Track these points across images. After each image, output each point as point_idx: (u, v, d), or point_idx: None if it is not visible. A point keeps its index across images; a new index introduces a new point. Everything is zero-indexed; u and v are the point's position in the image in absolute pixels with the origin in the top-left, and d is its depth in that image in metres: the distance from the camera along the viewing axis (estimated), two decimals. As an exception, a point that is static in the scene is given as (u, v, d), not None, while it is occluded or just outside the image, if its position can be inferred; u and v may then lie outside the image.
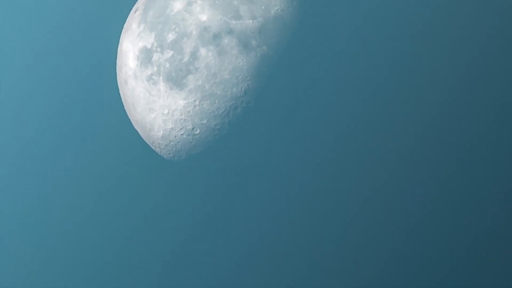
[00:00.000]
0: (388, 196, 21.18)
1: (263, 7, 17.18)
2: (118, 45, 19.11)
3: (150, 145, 18.74)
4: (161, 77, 17.32)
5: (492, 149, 21.22)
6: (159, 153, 18.58)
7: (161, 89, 17.36)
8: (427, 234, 21.35)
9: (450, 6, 20.98)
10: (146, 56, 17.62)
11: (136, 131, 19.04)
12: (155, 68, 17.42)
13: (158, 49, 17.39)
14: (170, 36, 17.28)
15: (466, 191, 21.24)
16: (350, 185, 20.71)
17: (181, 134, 17.50)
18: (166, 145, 17.98)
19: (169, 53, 17.23)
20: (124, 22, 19.18)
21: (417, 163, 21.11)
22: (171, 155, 18.15)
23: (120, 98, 19.13)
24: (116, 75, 19.19)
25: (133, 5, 19.14)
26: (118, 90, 19.15)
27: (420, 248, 21.44)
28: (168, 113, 17.42)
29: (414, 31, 20.78)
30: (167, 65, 17.23)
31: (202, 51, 16.95)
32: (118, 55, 19.01)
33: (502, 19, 21.24)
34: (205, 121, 17.16)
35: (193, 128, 17.31)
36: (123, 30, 19.03)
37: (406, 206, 21.34)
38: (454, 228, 21.30)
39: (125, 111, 19.11)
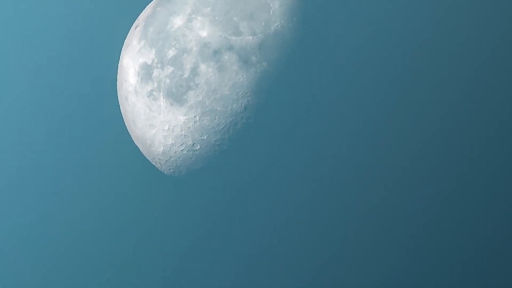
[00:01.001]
0: (387, 216, 21.19)
1: (263, 23, 17.25)
2: (118, 61, 19.16)
3: (151, 161, 18.76)
4: (161, 93, 17.36)
5: (493, 149, 21.25)
6: (159, 168, 18.59)
7: (161, 105, 17.40)
8: (433, 242, 21.34)
9: (445, 30, 21.06)
10: (146, 72, 17.66)
11: (137, 147, 19.06)
12: (156, 84, 17.46)
13: (159, 65, 17.44)
14: (171, 52, 17.34)
15: (469, 192, 21.26)
16: (350, 201, 20.70)
17: (182, 150, 17.53)
18: (166, 160, 18.00)
19: (169, 69, 17.28)
20: (125, 38, 19.24)
21: (418, 185, 21.13)
22: (172, 170, 18.16)
23: (121, 114, 19.16)
24: (116, 91, 19.22)
25: (134, 21, 19.20)
26: (119, 106, 19.19)
27: (427, 257, 21.41)
28: (168, 129, 17.45)
29: (414, 50, 20.83)
30: (168, 81, 17.27)
31: (202, 67, 17.00)
32: (118, 71, 19.06)
33: (502, 19, 21.32)
34: (205, 137, 17.19)
35: (193, 144, 17.33)
36: (123, 46, 19.09)
37: (407, 224, 21.34)
38: (457, 229, 21.29)
39: (125, 127, 19.14)
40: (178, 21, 17.57)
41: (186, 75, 17.09)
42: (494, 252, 21.32)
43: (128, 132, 19.12)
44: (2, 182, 25.41)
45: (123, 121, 19.15)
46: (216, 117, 16.99)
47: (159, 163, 18.34)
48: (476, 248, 21.37)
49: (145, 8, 19.17)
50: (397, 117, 20.17)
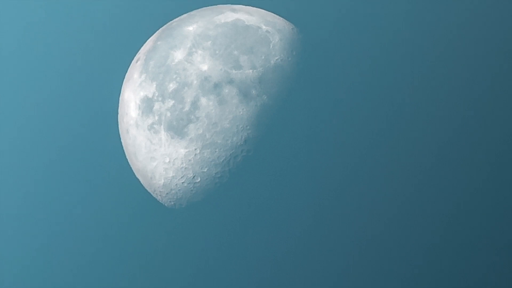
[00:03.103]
0: (388, 257, 21.18)
1: (263, 57, 17.33)
2: (119, 94, 19.23)
3: (152, 193, 18.75)
4: (162, 126, 17.39)
5: (492, 150, 21.27)
6: (160, 201, 18.58)
7: (162, 138, 17.43)
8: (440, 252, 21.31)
9: (445, 69, 21.22)
10: (147, 106, 17.70)
11: (138, 179, 19.06)
12: (156, 117, 17.50)
13: (159, 99, 17.48)
14: (171, 86, 17.39)
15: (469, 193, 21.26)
16: (350, 235, 20.70)
17: (182, 183, 17.53)
18: (167, 193, 17.99)
19: (170, 103, 17.33)
20: (126, 72, 19.32)
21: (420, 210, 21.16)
22: (172, 203, 18.15)
23: (122, 147, 19.19)
24: (117, 124, 19.27)
25: (135, 55, 19.29)
26: (120, 139, 19.22)
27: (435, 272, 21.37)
28: (169, 161, 17.47)
29: (414, 84, 20.96)
30: (168, 114, 17.32)
31: (203, 101, 17.05)
32: (119, 104, 19.11)
33: (502, 19, 21.41)
34: (205, 170, 17.21)
35: (194, 177, 17.35)
36: (124, 80, 19.15)
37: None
38: (458, 229, 21.24)
39: (126, 159, 19.16)
40: (178, 55, 17.65)
41: (186, 108, 17.13)
42: (494, 252, 21.26)
43: (129, 165, 19.13)
44: (4, 218, 25.41)
45: (124, 154, 19.17)
46: (217, 150, 17.02)
47: (160, 195, 18.33)
48: (476, 248, 21.31)
49: (146, 42, 19.27)
50: (397, 152, 20.23)
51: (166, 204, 18.44)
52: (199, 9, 19.18)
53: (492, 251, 21.27)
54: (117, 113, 19.25)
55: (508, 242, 21.21)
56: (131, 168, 19.14)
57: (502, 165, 21.44)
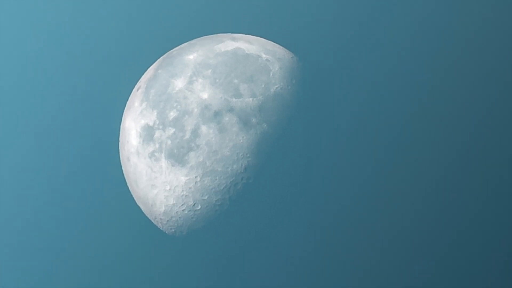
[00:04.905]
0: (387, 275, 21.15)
1: (263, 86, 17.42)
2: (120, 122, 19.29)
3: (152, 221, 18.75)
4: (163, 154, 17.44)
5: (493, 150, 21.26)
6: (161, 228, 18.58)
7: (163, 166, 17.47)
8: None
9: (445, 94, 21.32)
10: (148, 134, 17.76)
11: (139, 207, 19.07)
12: (157, 145, 17.55)
13: (160, 127, 17.55)
14: (172, 114, 17.46)
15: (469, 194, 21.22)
16: (350, 260, 20.68)
17: (183, 210, 17.55)
18: (168, 220, 18.00)
19: (170, 131, 17.38)
20: (127, 100, 19.40)
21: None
22: (173, 230, 18.16)
23: (123, 174, 19.22)
24: (119, 152, 19.32)
25: (135, 84, 19.38)
26: (121, 166, 19.27)
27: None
28: (170, 189, 17.50)
29: (414, 109, 21.04)
30: (169, 142, 17.37)
31: (203, 129, 17.11)
32: (120, 132, 19.17)
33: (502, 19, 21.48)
34: (206, 197, 17.23)
35: (194, 204, 17.37)
36: (125, 108, 19.22)
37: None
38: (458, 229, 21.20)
39: (127, 187, 19.19)
40: (179, 83, 17.73)
41: (187, 136, 17.20)
42: (494, 252, 21.21)
43: (130, 193, 19.15)
44: (4, 249, 25.38)
45: (125, 182, 19.20)
46: (217, 178, 17.06)
47: (160, 223, 18.34)
48: (476, 249, 21.27)
49: (147, 71, 19.37)
50: (397, 180, 20.26)
51: (167, 232, 18.45)
52: (200, 38, 19.31)
53: (492, 251, 21.23)
54: (118, 141, 19.31)
55: (508, 242, 21.18)
56: (132, 195, 19.16)
57: (502, 164, 21.45)
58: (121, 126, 19.13)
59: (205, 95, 17.33)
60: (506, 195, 21.31)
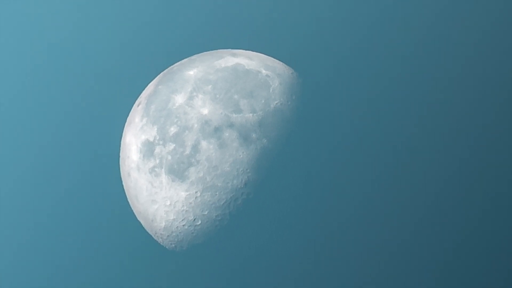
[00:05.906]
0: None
1: (263, 101, 17.46)
2: (121, 138, 19.33)
3: (153, 236, 18.75)
4: (163, 169, 17.47)
5: (493, 150, 21.25)
6: (161, 243, 18.57)
7: (163, 181, 17.49)
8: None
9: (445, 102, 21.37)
10: (148, 149, 17.80)
11: (139, 222, 19.07)
12: (158, 161, 17.58)
13: (161, 142, 17.58)
14: (172, 129, 17.50)
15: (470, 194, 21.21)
16: (350, 274, 20.66)
17: (183, 225, 17.55)
18: (168, 235, 18.01)
19: (171, 146, 17.42)
20: (127, 115, 19.44)
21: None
22: (173, 245, 18.15)
23: (123, 189, 19.24)
24: (119, 168, 19.34)
25: (136, 99, 19.43)
26: (121, 182, 19.29)
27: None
28: (170, 204, 17.51)
29: (414, 123, 21.08)
30: (169, 157, 17.40)
31: (203, 144, 17.15)
32: (121, 148, 19.21)
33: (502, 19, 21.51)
34: (206, 212, 17.24)
35: (194, 219, 17.38)
36: (126, 124, 19.26)
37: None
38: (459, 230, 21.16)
39: (128, 202, 19.19)
40: (179, 99, 17.78)
41: (187, 151, 17.23)
42: (494, 252, 21.18)
43: (130, 208, 19.16)
44: (4, 259, 25.36)
45: (126, 197, 19.22)
46: (217, 193, 17.08)
47: (161, 238, 18.34)
48: (476, 249, 21.23)
49: (147, 86, 19.42)
50: (398, 194, 20.27)
51: (167, 247, 18.45)
52: (200, 54, 19.38)
53: (492, 251, 21.21)
54: (119, 157, 19.34)
55: (508, 242, 21.16)
56: (132, 210, 19.17)
57: (502, 165, 21.46)
58: (122, 142, 19.17)
59: (205, 111, 17.38)
60: (506, 195, 21.32)
